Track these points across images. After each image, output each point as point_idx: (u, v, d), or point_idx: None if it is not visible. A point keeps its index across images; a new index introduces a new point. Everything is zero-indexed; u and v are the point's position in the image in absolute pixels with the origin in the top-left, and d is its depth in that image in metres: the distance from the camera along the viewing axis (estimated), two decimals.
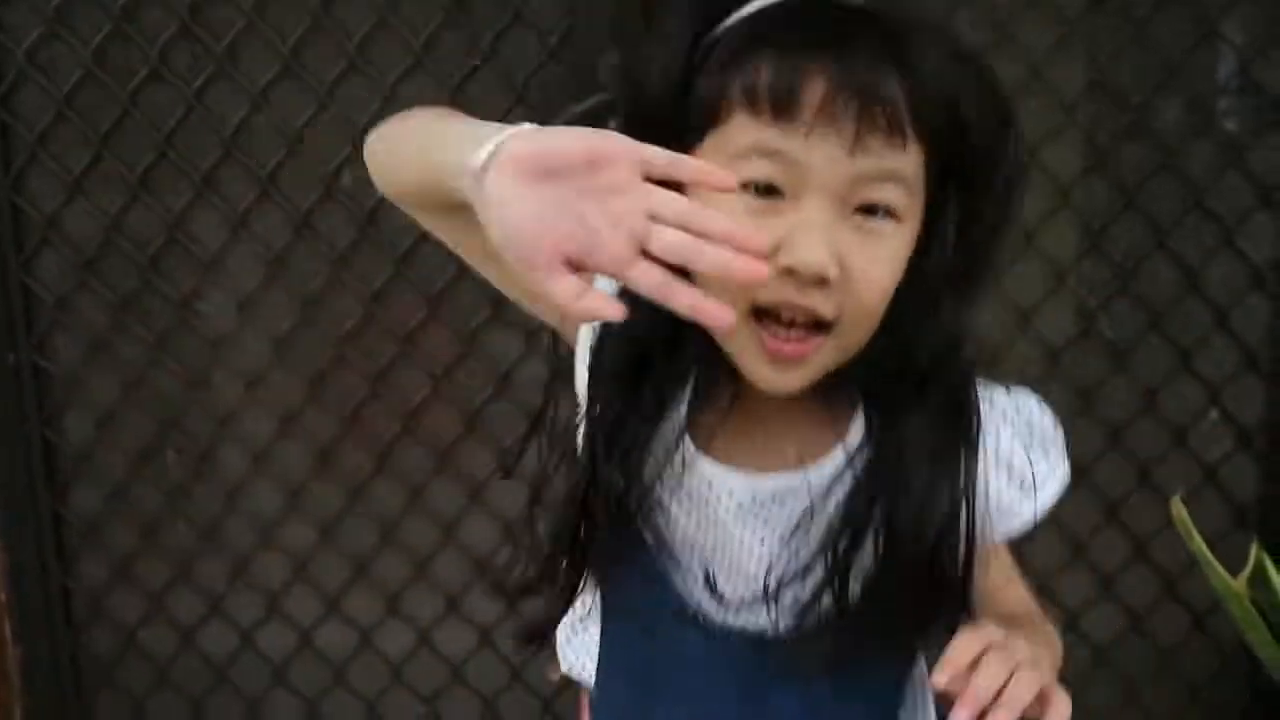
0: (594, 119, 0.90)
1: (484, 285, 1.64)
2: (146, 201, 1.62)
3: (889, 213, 0.76)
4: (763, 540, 0.86)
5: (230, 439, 1.71)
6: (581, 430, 0.87)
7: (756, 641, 0.87)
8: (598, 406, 0.85)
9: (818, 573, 0.84)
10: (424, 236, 1.59)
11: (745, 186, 0.75)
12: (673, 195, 0.67)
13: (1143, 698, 1.77)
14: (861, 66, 0.73)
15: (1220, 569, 1.47)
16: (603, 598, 0.92)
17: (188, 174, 1.61)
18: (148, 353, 1.67)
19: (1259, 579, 1.49)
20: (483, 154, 0.70)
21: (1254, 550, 1.50)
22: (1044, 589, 1.72)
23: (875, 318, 0.78)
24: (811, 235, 0.73)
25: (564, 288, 0.66)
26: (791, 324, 0.76)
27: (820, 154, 0.73)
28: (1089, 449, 1.69)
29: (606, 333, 0.85)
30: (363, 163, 1.53)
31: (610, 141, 0.68)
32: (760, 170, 0.74)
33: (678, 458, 0.85)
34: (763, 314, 0.77)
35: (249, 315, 1.66)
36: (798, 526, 0.85)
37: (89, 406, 1.70)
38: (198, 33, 1.56)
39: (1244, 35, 1.59)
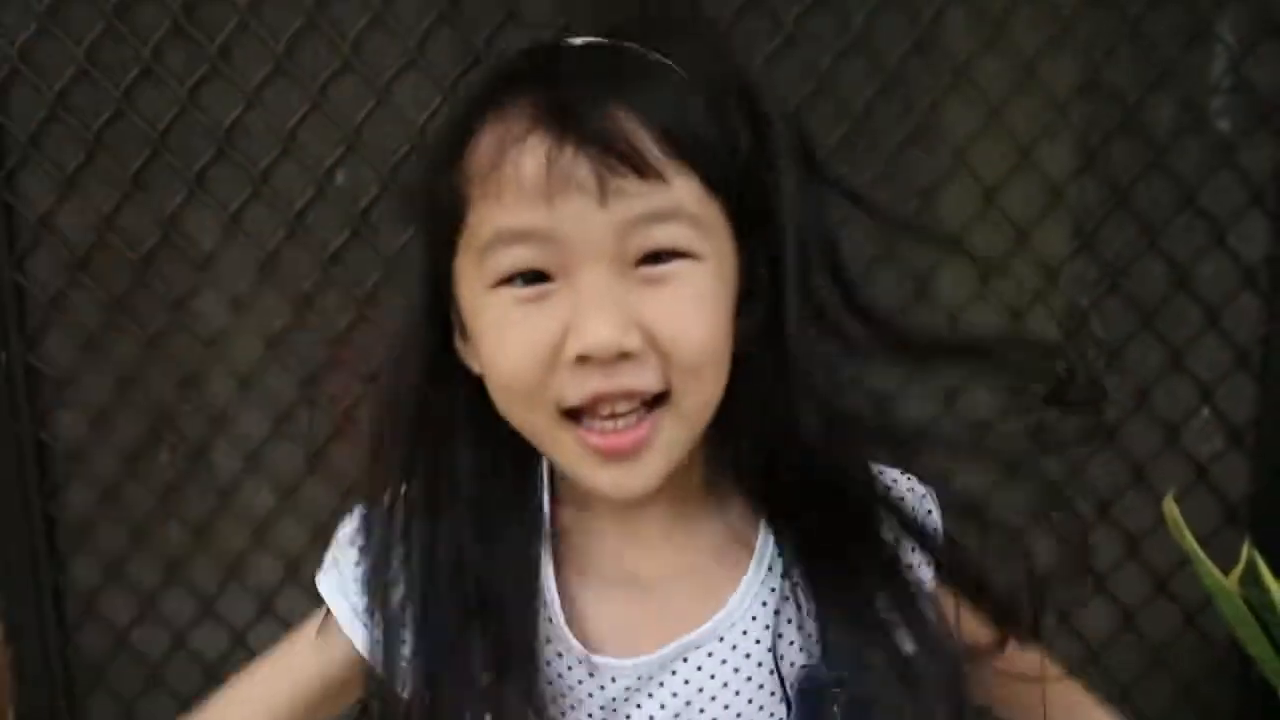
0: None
1: None
2: (139, 200, 1.62)
3: (678, 253, 0.65)
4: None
5: (223, 439, 1.71)
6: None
7: None
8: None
9: None
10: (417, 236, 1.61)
11: (506, 280, 0.65)
12: None
13: (1134, 695, 1.77)
14: (577, 106, 0.63)
15: (1212, 567, 1.48)
16: None
17: (181, 173, 1.60)
18: (140, 352, 1.67)
19: (1250, 577, 1.49)
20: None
21: (1245, 549, 1.51)
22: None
23: (710, 371, 0.67)
24: (592, 310, 0.63)
25: None
26: (613, 415, 0.65)
27: (569, 216, 0.63)
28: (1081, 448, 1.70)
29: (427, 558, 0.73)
30: (355, 162, 1.55)
31: None
32: (515, 257, 0.64)
33: (569, 662, 0.72)
34: (578, 415, 0.66)
35: (242, 314, 1.66)
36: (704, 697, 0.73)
37: (81, 406, 1.70)
38: (191, 31, 1.56)
39: (1236, 34, 1.59)
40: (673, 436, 0.67)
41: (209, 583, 1.75)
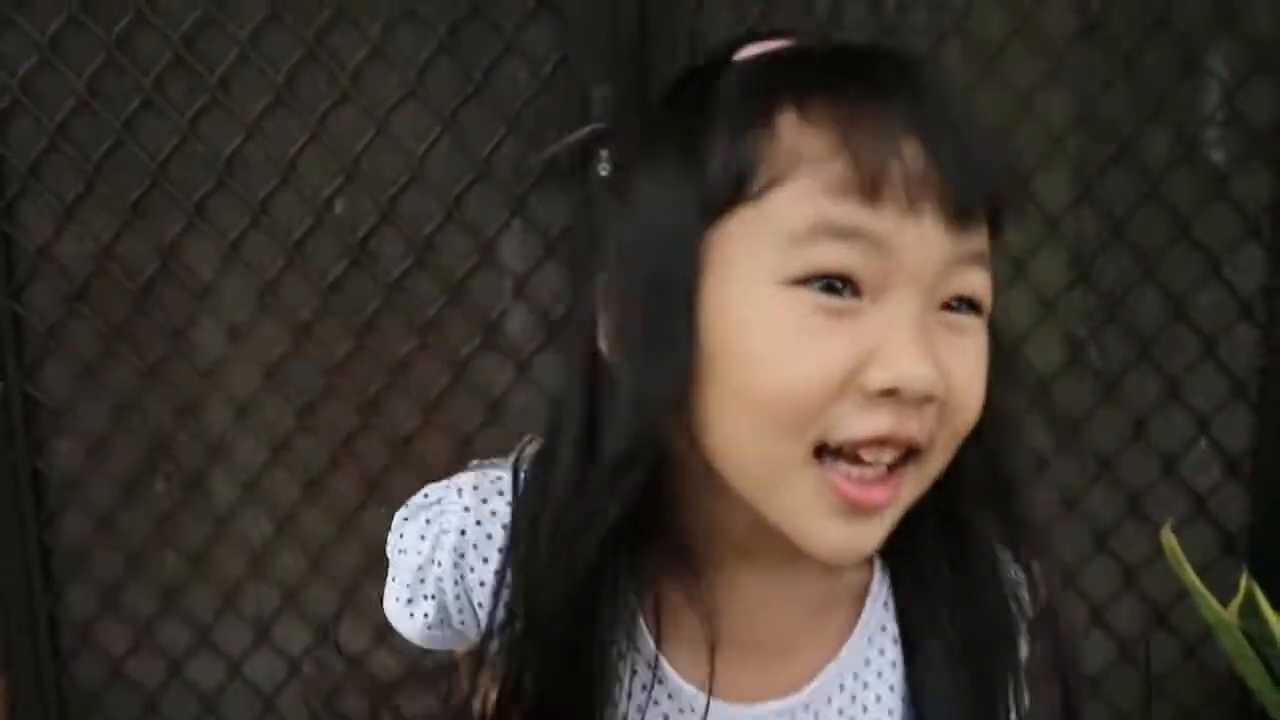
0: (584, 149, 0.75)
1: (475, 313, 1.66)
2: (138, 230, 1.62)
3: (973, 305, 0.59)
4: None
5: (220, 467, 1.71)
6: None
7: None
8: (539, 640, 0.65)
9: None
10: (416, 265, 1.61)
11: (808, 280, 0.56)
12: None
13: None
14: (952, 122, 0.57)
15: (1211, 599, 1.48)
16: None
17: (180, 202, 1.61)
18: (138, 381, 1.67)
19: (1249, 609, 1.49)
20: None
21: (1244, 580, 1.50)
22: None
23: (963, 439, 0.60)
24: (911, 342, 0.55)
25: None
26: (861, 463, 0.57)
27: (915, 233, 0.56)
28: (1079, 479, 1.69)
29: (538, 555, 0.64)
30: (353, 191, 1.55)
31: None
32: (833, 257, 0.56)
33: (647, 670, 0.66)
34: (827, 453, 0.57)
35: (240, 343, 1.66)
36: None
37: (78, 435, 1.69)
38: (191, 62, 1.57)
39: (1228, 67, 1.60)
40: (907, 497, 0.59)
41: (205, 612, 1.75)
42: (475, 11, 1.56)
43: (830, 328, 0.56)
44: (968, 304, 0.59)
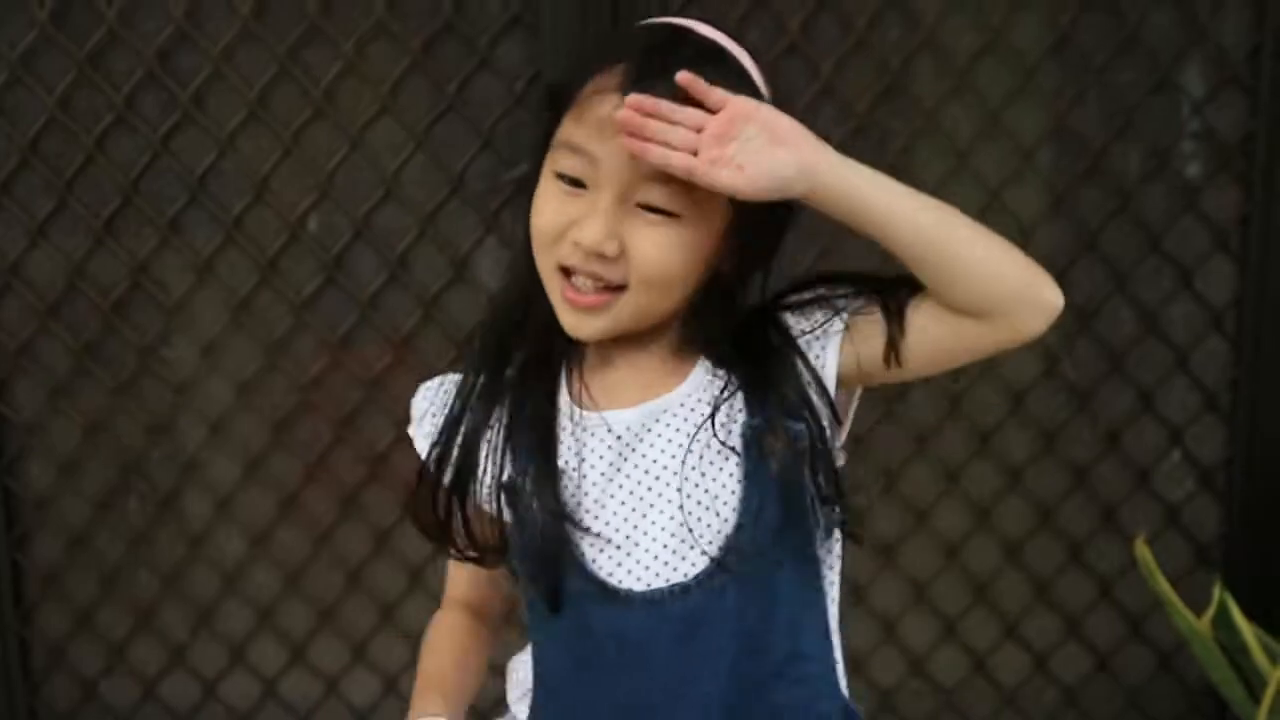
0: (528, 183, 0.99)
1: (449, 330, 1.65)
2: (111, 247, 1.61)
3: (666, 211, 0.91)
4: (664, 455, 0.98)
5: (194, 485, 1.70)
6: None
7: (680, 592, 0.96)
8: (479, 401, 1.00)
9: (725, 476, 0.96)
10: (390, 281, 1.61)
11: (560, 176, 0.93)
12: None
13: None
14: (645, 81, 0.89)
15: (1184, 610, 1.48)
16: (529, 605, 0.99)
17: (153, 219, 1.60)
18: (111, 399, 1.66)
19: (1223, 620, 1.50)
20: None
21: (1217, 591, 1.51)
22: (1010, 630, 1.73)
23: (664, 288, 0.94)
24: (593, 219, 0.91)
25: None
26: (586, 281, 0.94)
27: (612, 151, 0.89)
28: (1052, 490, 1.70)
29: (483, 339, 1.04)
30: (327, 208, 1.55)
31: None
32: (568, 163, 0.92)
33: (568, 418, 0.99)
34: (568, 272, 0.94)
35: (213, 360, 1.66)
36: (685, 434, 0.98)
37: (50, 453, 1.68)
38: (164, 79, 1.56)
39: (1199, 83, 1.62)
40: (624, 314, 0.95)
41: (179, 632, 1.74)
42: (448, 28, 1.56)
43: (564, 202, 0.93)
44: (657, 210, 0.91)
